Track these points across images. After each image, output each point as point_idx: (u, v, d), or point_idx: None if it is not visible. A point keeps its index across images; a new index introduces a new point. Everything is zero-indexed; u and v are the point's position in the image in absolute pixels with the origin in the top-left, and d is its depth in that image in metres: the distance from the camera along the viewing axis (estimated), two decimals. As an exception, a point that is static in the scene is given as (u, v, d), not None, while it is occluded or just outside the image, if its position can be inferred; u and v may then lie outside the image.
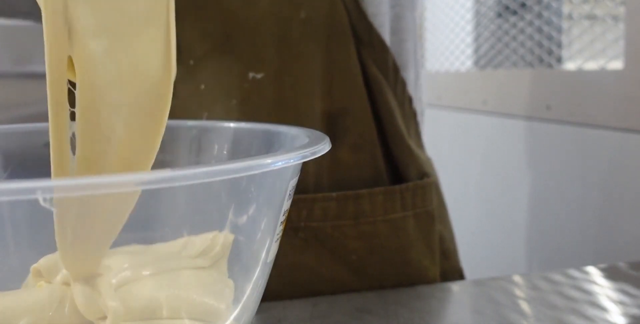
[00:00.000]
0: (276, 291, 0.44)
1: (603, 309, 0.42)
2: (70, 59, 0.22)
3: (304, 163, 0.46)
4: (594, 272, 0.50)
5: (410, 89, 0.51)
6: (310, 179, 0.46)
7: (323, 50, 0.46)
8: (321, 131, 0.46)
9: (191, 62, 0.46)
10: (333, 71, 0.46)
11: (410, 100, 0.50)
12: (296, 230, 0.46)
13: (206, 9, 0.45)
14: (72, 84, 0.23)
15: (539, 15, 0.85)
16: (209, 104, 0.46)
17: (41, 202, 0.24)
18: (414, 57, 0.53)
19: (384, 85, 0.48)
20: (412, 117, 0.51)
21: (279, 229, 0.27)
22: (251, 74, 0.45)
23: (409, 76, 0.52)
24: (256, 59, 0.45)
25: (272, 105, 0.46)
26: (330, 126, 0.47)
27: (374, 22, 0.47)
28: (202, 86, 0.46)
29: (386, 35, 0.49)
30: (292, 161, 0.23)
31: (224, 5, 0.45)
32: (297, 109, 0.46)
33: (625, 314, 0.41)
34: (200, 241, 0.28)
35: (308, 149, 0.24)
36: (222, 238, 0.27)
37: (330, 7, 0.45)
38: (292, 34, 0.45)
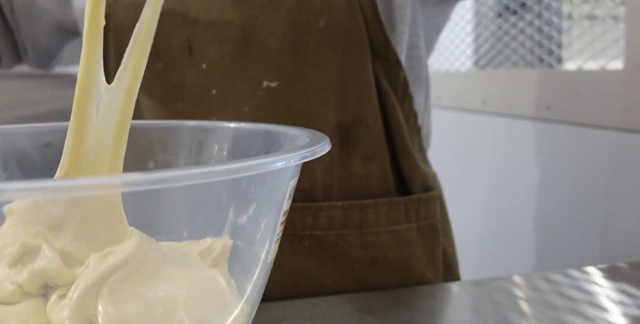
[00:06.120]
0: (278, 297, 0.44)
1: (603, 309, 0.42)
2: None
3: (312, 172, 0.46)
4: (594, 272, 0.50)
5: (420, 111, 0.52)
6: (319, 189, 0.46)
7: (339, 60, 0.46)
8: (334, 141, 0.46)
9: (204, 65, 0.45)
10: (348, 81, 0.46)
11: (415, 116, 0.51)
12: (301, 238, 0.46)
13: (223, 13, 0.45)
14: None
15: (539, 15, 0.85)
16: (219, 110, 0.46)
17: (41, 202, 0.24)
18: (425, 83, 0.54)
19: (393, 99, 0.48)
20: (416, 132, 0.51)
21: (279, 229, 0.27)
22: (266, 83, 0.45)
23: (419, 100, 0.52)
24: (272, 66, 0.45)
25: (285, 113, 0.45)
26: (343, 137, 0.47)
27: (396, 50, 0.47)
28: (214, 91, 0.45)
29: (402, 61, 0.49)
30: (292, 161, 0.23)
31: (242, 10, 0.45)
32: (310, 118, 0.46)
33: (626, 315, 0.41)
34: (199, 245, 0.28)
35: (308, 149, 0.24)
36: (222, 243, 0.27)
37: (349, 17, 0.45)
38: (310, 42, 0.45)
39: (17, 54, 0.59)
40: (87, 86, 0.25)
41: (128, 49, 0.26)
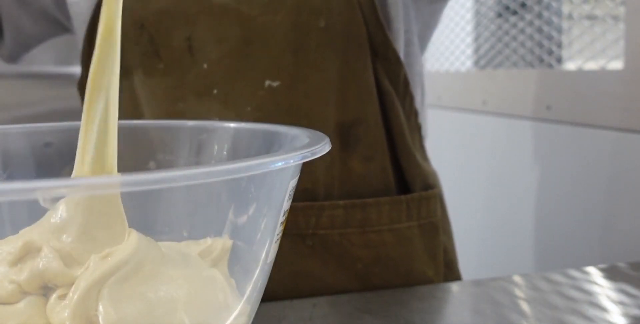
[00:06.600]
0: (280, 296, 0.44)
1: (603, 309, 0.42)
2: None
3: (314, 172, 0.46)
4: (594, 272, 0.50)
5: (419, 109, 0.52)
6: (321, 188, 0.47)
7: (339, 60, 0.46)
8: (334, 141, 0.46)
9: (205, 65, 0.45)
10: (348, 81, 0.46)
11: (416, 114, 0.51)
12: (304, 237, 0.46)
13: (224, 14, 0.45)
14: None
15: (539, 15, 0.85)
16: (221, 110, 0.46)
17: (41, 202, 0.25)
18: (420, 80, 0.54)
19: (394, 98, 0.48)
20: (417, 130, 0.51)
21: (279, 229, 0.27)
22: (267, 82, 0.45)
23: (417, 98, 0.52)
24: (273, 66, 0.45)
25: (286, 113, 0.46)
26: (343, 136, 0.47)
27: (395, 46, 0.48)
28: (215, 91, 0.46)
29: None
30: (292, 161, 0.23)
31: (242, 11, 0.45)
32: (311, 117, 0.46)
33: (625, 315, 0.41)
34: (199, 245, 0.28)
35: (308, 149, 0.24)
36: (222, 243, 0.27)
37: (349, 17, 0.45)
38: (310, 43, 0.45)
39: None
40: (98, 86, 0.25)
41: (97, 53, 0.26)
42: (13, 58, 0.61)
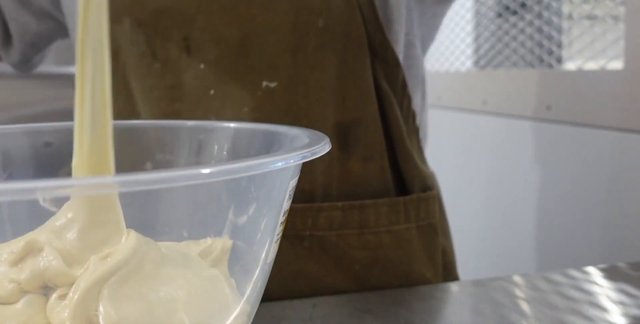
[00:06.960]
0: (278, 297, 0.44)
1: (603, 309, 0.42)
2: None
3: (312, 172, 0.46)
4: (594, 272, 0.50)
5: (417, 111, 0.52)
6: (319, 189, 0.46)
7: (338, 61, 0.46)
8: (333, 141, 0.46)
9: (201, 65, 0.45)
10: (347, 82, 0.46)
11: (413, 116, 0.51)
12: (301, 239, 0.46)
13: (222, 13, 0.45)
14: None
15: (539, 15, 0.85)
16: (218, 110, 0.45)
17: (41, 202, 0.25)
18: (421, 82, 0.54)
19: (393, 99, 0.48)
20: (414, 132, 0.51)
21: (279, 229, 0.27)
22: (265, 83, 0.45)
23: (416, 100, 0.52)
24: (271, 66, 0.45)
25: (284, 114, 0.45)
26: (342, 137, 0.47)
27: (394, 48, 0.47)
28: (212, 91, 0.45)
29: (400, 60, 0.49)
30: (292, 161, 0.23)
31: (240, 10, 0.44)
32: (310, 118, 0.46)
33: (626, 315, 0.41)
34: (199, 245, 0.28)
35: (308, 149, 0.24)
36: (222, 243, 0.27)
37: (348, 17, 0.45)
38: (309, 43, 0.45)
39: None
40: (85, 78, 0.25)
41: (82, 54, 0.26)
42: (24, 63, 0.61)
